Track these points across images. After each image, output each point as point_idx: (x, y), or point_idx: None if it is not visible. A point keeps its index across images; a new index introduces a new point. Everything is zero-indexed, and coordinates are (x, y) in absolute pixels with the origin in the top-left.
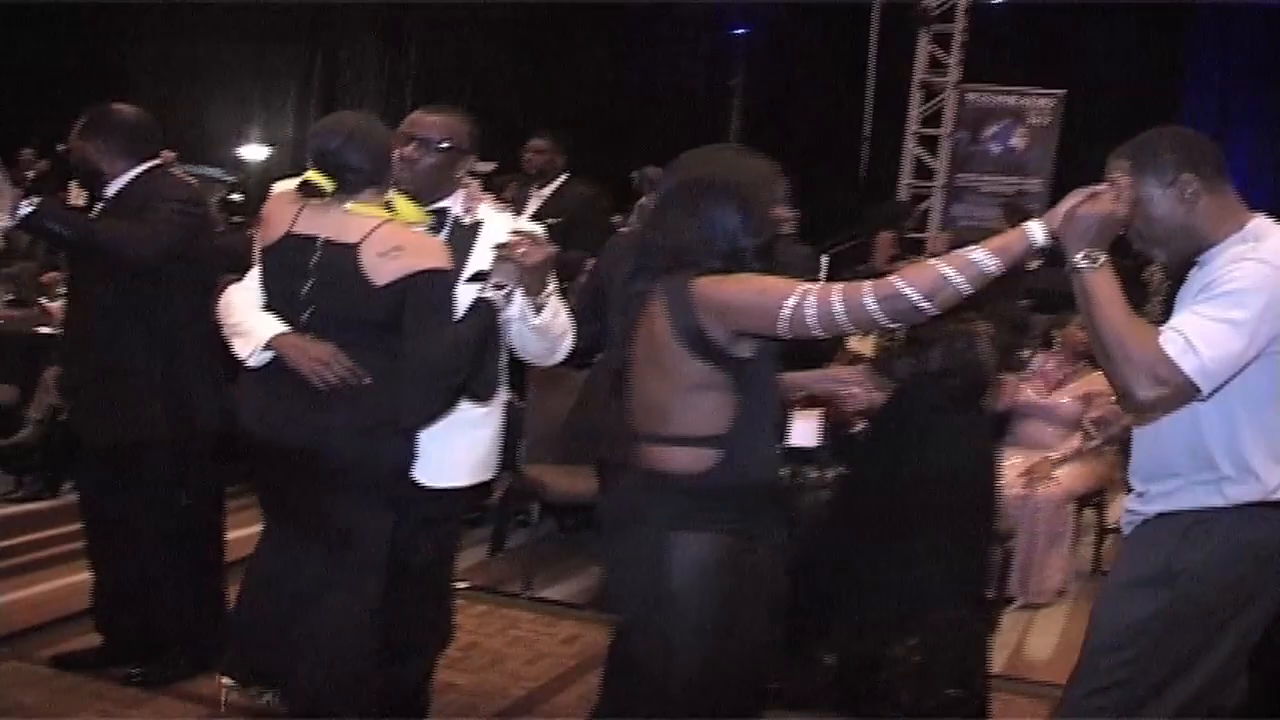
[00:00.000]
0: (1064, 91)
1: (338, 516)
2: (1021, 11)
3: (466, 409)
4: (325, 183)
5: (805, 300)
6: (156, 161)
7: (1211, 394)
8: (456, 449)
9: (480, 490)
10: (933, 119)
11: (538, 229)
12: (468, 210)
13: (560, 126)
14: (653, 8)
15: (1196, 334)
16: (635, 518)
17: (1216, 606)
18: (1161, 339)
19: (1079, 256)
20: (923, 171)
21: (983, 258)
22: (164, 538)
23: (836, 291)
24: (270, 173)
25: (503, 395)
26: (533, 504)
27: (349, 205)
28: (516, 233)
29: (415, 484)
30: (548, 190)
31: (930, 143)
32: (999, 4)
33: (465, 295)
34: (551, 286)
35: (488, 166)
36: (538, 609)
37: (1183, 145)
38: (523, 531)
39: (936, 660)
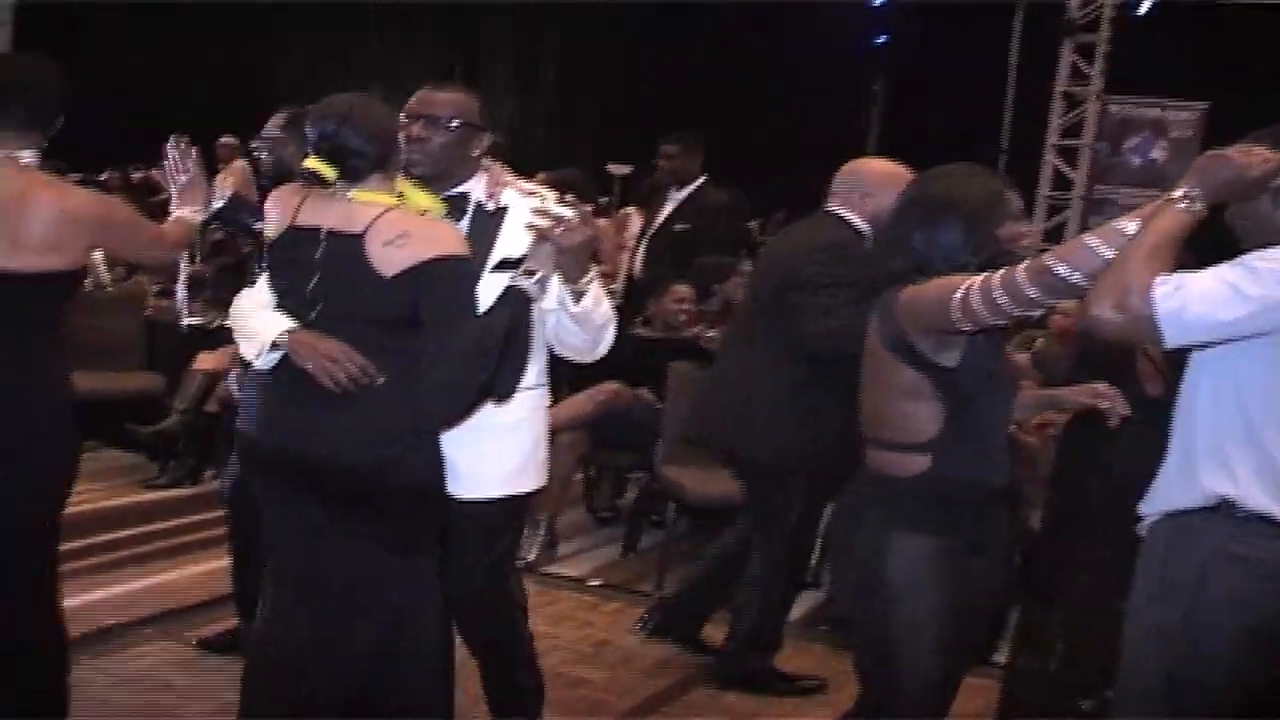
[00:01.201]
0: (1207, 104)
1: (367, 547)
2: (1166, 21)
3: (498, 412)
4: (327, 170)
5: (970, 290)
6: None
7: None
8: (485, 456)
9: (514, 506)
10: (1073, 130)
11: (567, 212)
12: (491, 194)
13: (697, 129)
14: (794, 13)
15: (1195, 287)
16: (857, 518)
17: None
18: (1160, 278)
19: (1182, 191)
20: (1061, 183)
21: (1128, 226)
22: None
23: (996, 277)
24: None
25: (543, 399)
26: (668, 504)
27: (353, 193)
28: (544, 214)
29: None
30: (682, 194)
31: (1070, 154)
32: (1144, 14)
33: (491, 285)
34: (593, 273)
35: (624, 169)
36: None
37: None
38: (656, 531)
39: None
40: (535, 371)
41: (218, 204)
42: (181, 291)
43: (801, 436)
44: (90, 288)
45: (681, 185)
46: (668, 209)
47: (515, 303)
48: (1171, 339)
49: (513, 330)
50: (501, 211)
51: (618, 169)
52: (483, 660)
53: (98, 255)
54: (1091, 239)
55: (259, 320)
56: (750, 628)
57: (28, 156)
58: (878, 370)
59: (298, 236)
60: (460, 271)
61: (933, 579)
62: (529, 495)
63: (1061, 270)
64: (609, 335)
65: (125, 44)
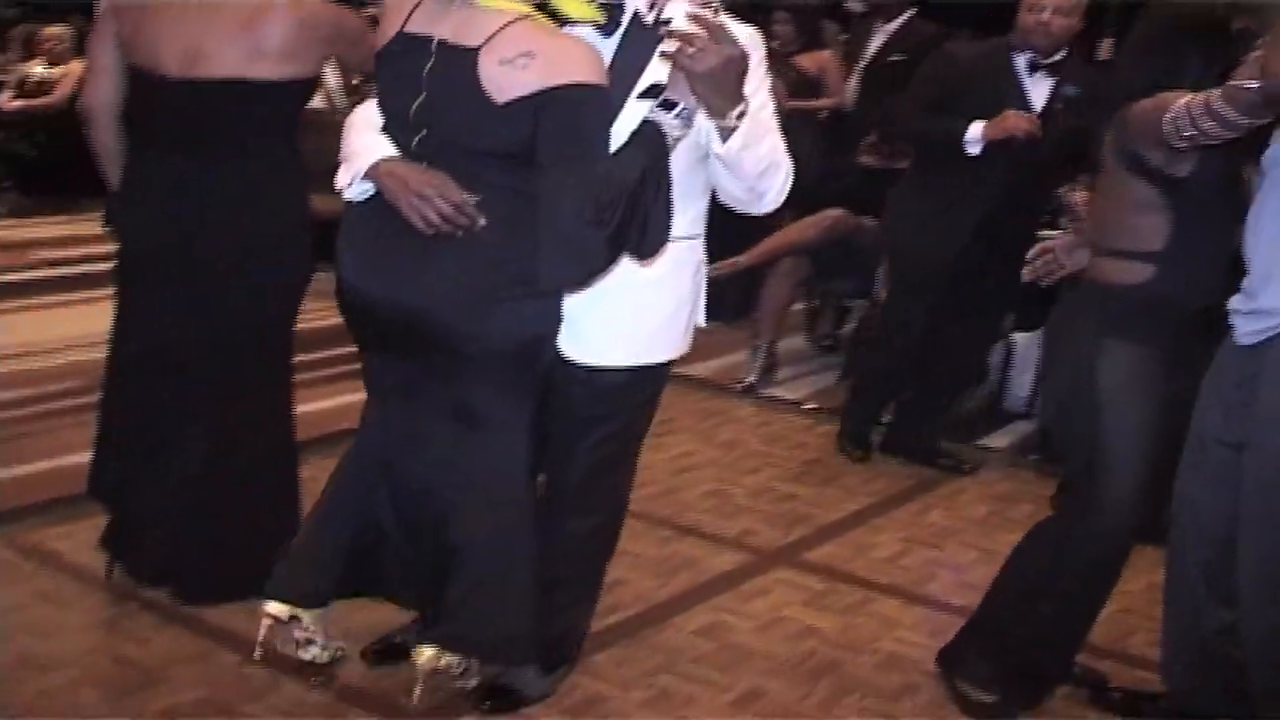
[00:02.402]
0: None
1: (457, 400)
2: None
3: (631, 268)
4: None
5: (1179, 108)
6: None
7: None
8: (610, 317)
9: (641, 380)
10: None
11: (736, 27)
12: (653, 5)
13: None
14: None
15: None
16: (1071, 325)
17: None
18: None
19: None
20: None
21: None
22: None
23: (1199, 96)
24: None
25: (690, 252)
26: None
27: None
28: (672, 33)
29: (563, 361)
30: (892, 26)
31: None
32: None
33: (634, 114)
34: (752, 104)
35: (860, 6)
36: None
37: None
38: None
39: None
40: (689, 219)
41: None
42: None
43: None
44: (324, 106)
45: (889, 18)
46: (876, 41)
47: (651, 141)
48: None
49: (648, 175)
50: (662, 25)
51: (855, 5)
52: (549, 577)
53: (332, 79)
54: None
55: (359, 141)
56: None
57: None
58: (1111, 182)
59: (407, 46)
60: (588, 102)
61: (1143, 388)
62: (663, 369)
63: (1250, 86)
64: (776, 184)
65: None
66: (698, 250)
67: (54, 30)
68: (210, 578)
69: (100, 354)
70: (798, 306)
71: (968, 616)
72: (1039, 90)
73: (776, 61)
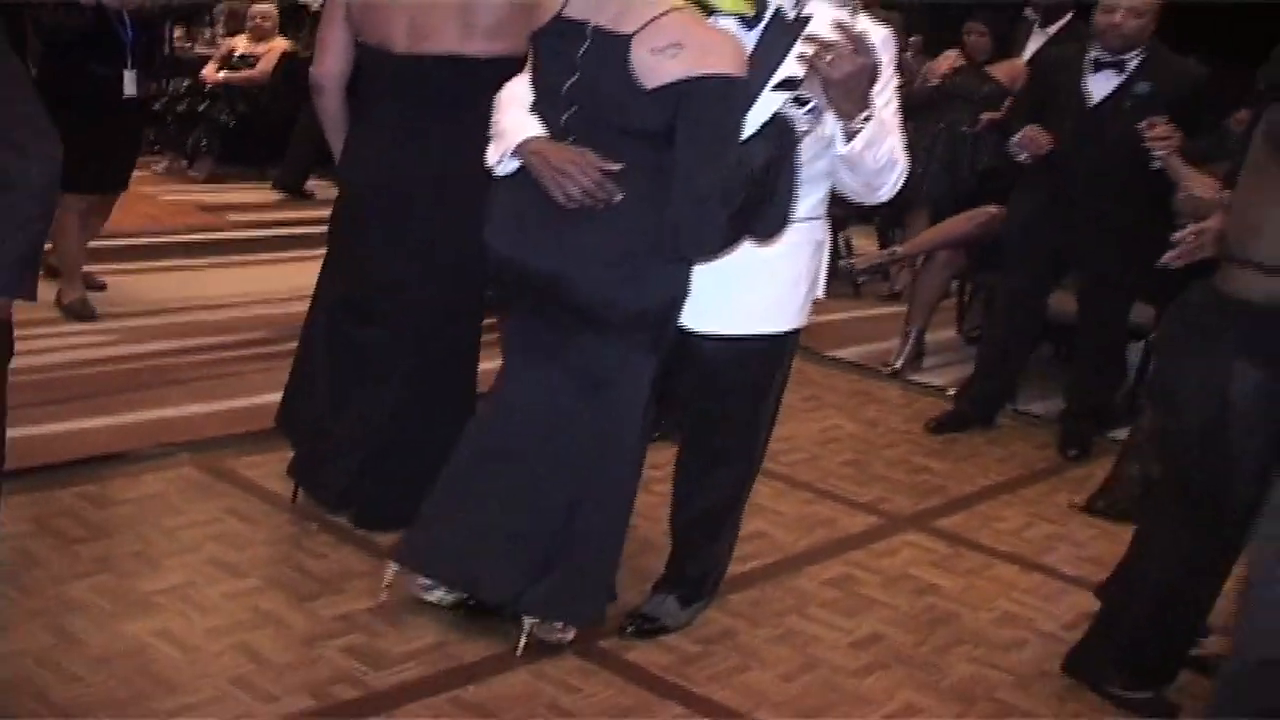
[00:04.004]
0: None
1: (590, 359)
2: None
3: (753, 245)
4: None
5: None
6: None
7: None
8: (732, 288)
9: (762, 348)
10: None
11: (871, 28)
12: (796, 1)
13: None
14: None
15: None
16: (1202, 338)
17: None
18: None
19: None
20: None
21: None
22: None
23: None
24: None
25: (812, 233)
26: None
27: None
28: (811, 40)
29: (689, 328)
30: (1052, 29)
31: None
32: None
33: (768, 105)
34: (876, 106)
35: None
36: (1019, 420)
37: None
38: None
39: None
40: (811, 202)
41: None
42: None
43: None
44: None
45: (1048, 22)
46: (1033, 45)
47: (781, 133)
48: None
49: (774, 164)
50: (803, 23)
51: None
52: (691, 519)
53: None
54: None
55: (508, 119)
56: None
57: None
58: (1259, 182)
59: (564, 28)
60: (727, 93)
61: (1275, 407)
62: (784, 338)
63: None
64: (890, 180)
65: None
66: (818, 231)
67: (261, 7)
68: (385, 507)
69: (284, 309)
70: (950, 297)
71: (1083, 586)
72: (1101, 87)
73: (972, 72)
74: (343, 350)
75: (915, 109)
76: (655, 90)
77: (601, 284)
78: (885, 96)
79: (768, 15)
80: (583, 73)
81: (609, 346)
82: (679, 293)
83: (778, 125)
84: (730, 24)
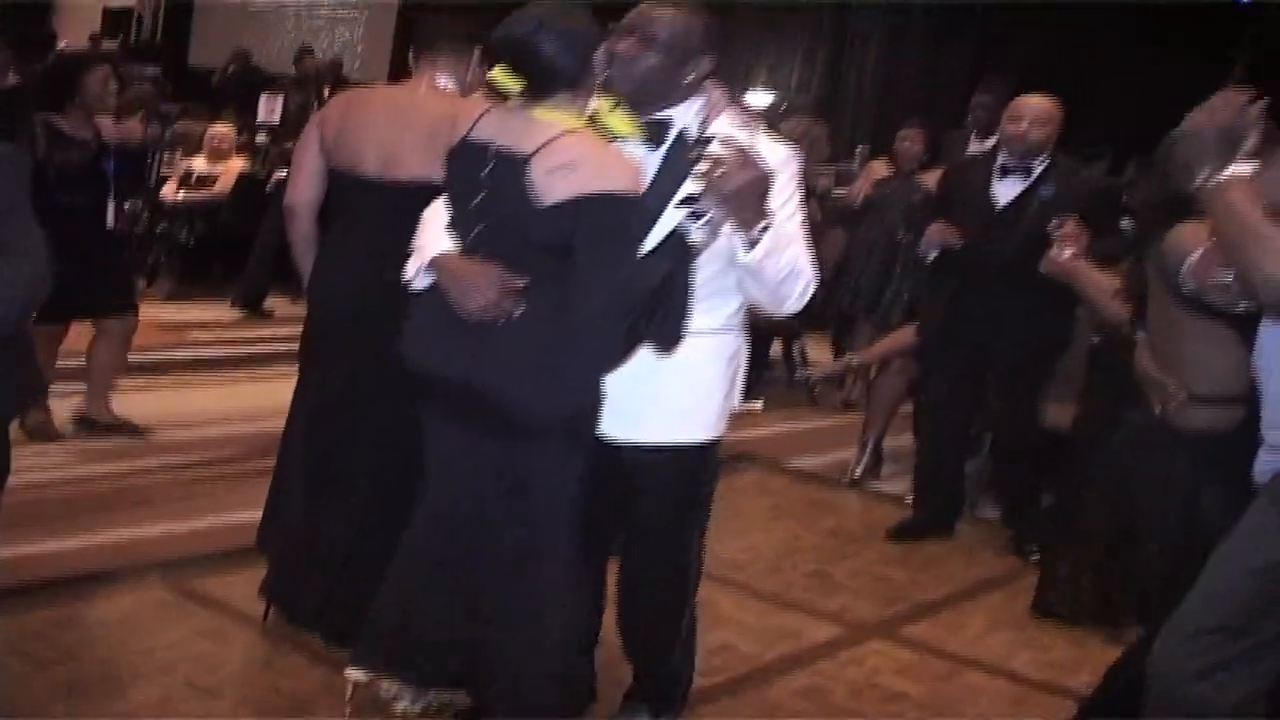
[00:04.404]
0: None
1: (508, 468)
2: None
3: (670, 355)
4: (511, 81)
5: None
6: None
7: None
8: (648, 397)
9: (680, 457)
10: None
11: (771, 147)
12: (700, 122)
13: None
14: None
15: None
16: (1159, 464)
17: None
18: None
19: None
20: None
21: None
22: None
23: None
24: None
25: (727, 345)
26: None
27: (537, 110)
28: (727, 145)
29: (607, 437)
30: (989, 143)
31: None
32: None
33: (671, 221)
34: (779, 217)
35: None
36: (978, 525)
37: None
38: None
39: None
40: (721, 314)
41: None
42: None
43: None
44: None
45: (985, 135)
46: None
47: (678, 246)
48: None
49: (671, 276)
50: (705, 143)
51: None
52: (634, 630)
53: None
54: None
55: (426, 235)
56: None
57: (446, 82)
58: (1169, 320)
59: (471, 150)
60: (619, 210)
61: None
62: (700, 449)
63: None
64: (795, 290)
65: None
66: (731, 343)
67: (219, 129)
68: (357, 624)
69: (249, 428)
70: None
71: (1048, 691)
72: (1007, 192)
73: (901, 180)
74: (314, 466)
75: (852, 219)
76: (551, 207)
77: (516, 391)
78: (787, 210)
79: (671, 137)
80: (488, 192)
81: (528, 451)
82: (594, 398)
83: (675, 239)
84: (633, 146)
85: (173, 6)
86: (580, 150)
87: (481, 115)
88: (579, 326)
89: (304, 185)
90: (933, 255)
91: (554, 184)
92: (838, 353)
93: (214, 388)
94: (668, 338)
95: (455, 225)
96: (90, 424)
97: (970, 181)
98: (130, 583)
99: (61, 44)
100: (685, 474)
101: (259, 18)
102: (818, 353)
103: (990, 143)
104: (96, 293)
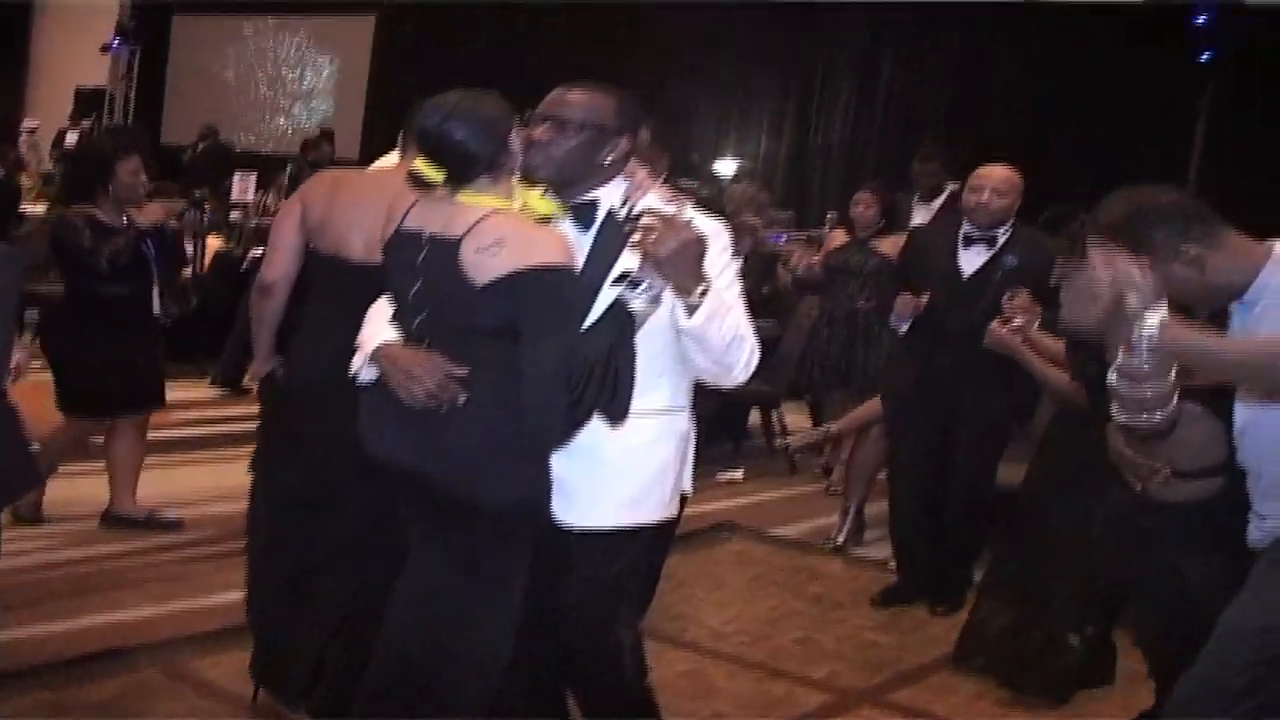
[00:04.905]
0: None
1: (463, 548)
2: None
3: (619, 435)
4: (432, 172)
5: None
6: None
7: None
8: (599, 480)
9: (630, 539)
10: None
11: (701, 221)
12: (627, 202)
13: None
14: (1113, 27)
15: None
16: (1145, 540)
17: None
18: None
19: None
20: None
21: None
22: None
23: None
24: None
25: (676, 425)
26: None
27: (461, 196)
28: (652, 215)
29: (556, 521)
30: (935, 204)
31: None
32: None
33: (608, 299)
34: (717, 284)
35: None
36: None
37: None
38: None
39: None
40: (669, 394)
41: None
42: None
43: None
44: None
45: (933, 197)
46: (918, 218)
47: (619, 318)
48: None
49: (615, 348)
50: (636, 219)
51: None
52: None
53: None
54: None
55: (370, 328)
56: None
57: None
58: None
59: (404, 239)
60: (556, 283)
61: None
62: (651, 531)
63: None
64: (740, 358)
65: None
66: (681, 422)
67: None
68: (344, 701)
69: (232, 507)
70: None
71: None
72: (972, 261)
73: (856, 248)
74: (291, 546)
75: (812, 289)
76: (487, 286)
77: (461, 480)
78: (725, 278)
79: (600, 217)
80: (425, 279)
81: (479, 534)
82: (541, 486)
83: (616, 310)
84: (565, 226)
85: (144, 85)
86: (508, 228)
87: (412, 205)
88: (533, 395)
89: (280, 262)
90: (904, 328)
91: (486, 262)
92: (815, 421)
93: (197, 467)
94: (616, 409)
95: (398, 316)
96: (122, 521)
97: (934, 250)
98: (117, 666)
99: (33, 125)
100: (633, 557)
101: (230, 93)
102: (796, 420)
103: (937, 203)
104: (141, 395)
